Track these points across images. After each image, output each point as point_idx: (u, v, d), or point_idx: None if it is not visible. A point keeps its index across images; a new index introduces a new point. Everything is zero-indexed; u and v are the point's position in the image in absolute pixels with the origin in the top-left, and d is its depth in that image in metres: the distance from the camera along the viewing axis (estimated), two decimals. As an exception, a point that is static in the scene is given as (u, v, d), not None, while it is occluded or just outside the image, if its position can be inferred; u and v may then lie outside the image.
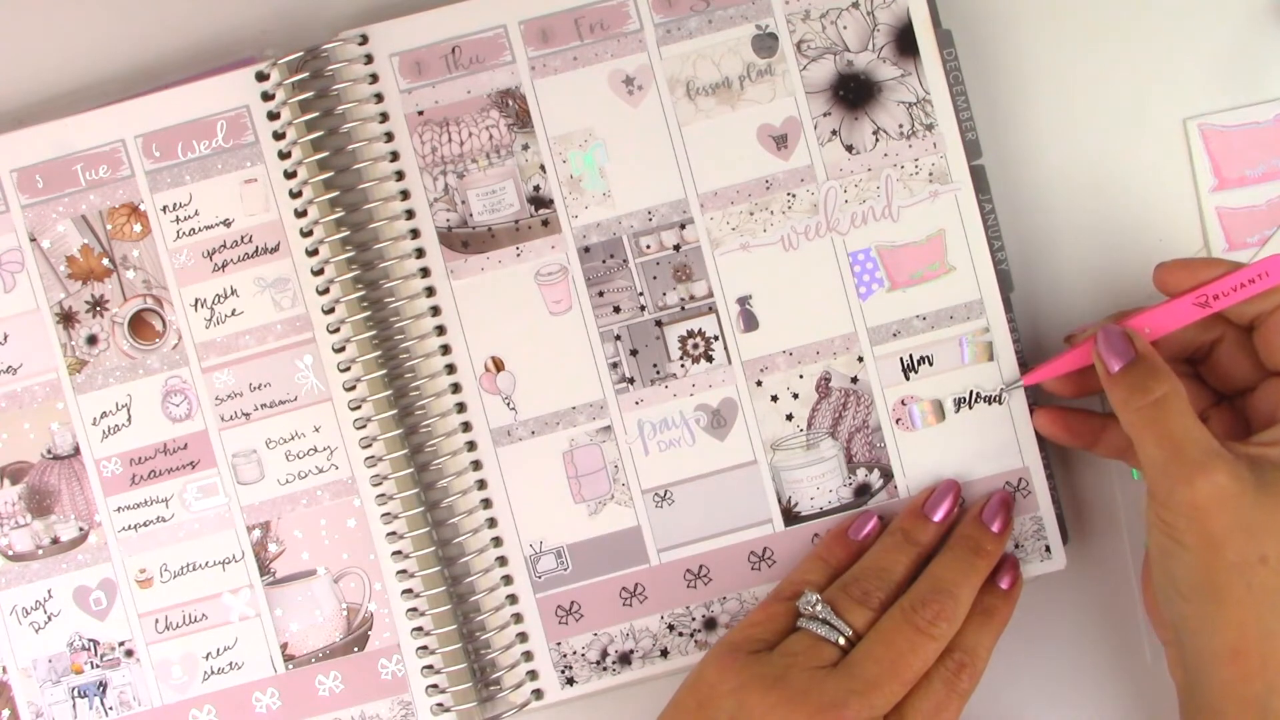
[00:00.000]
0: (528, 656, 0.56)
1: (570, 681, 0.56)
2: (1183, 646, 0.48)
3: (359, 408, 0.55)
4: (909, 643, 0.49)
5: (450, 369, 0.56)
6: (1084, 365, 0.52)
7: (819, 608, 0.51)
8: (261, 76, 0.55)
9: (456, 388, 0.56)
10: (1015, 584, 0.54)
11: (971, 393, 0.55)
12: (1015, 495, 0.55)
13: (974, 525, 0.54)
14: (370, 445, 0.56)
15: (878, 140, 0.55)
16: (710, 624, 0.56)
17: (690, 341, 0.56)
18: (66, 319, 0.56)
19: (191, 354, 0.56)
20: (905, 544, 0.53)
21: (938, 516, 0.54)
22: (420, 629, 0.56)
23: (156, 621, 0.56)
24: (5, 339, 0.56)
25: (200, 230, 0.56)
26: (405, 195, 0.55)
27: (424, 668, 0.56)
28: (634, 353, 0.56)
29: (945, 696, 0.50)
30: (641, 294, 0.56)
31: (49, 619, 0.56)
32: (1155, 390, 0.48)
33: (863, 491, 0.56)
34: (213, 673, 0.56)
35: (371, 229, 0.55)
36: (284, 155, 0.55)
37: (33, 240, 0.56)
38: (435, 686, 0.56)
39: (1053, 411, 0.55)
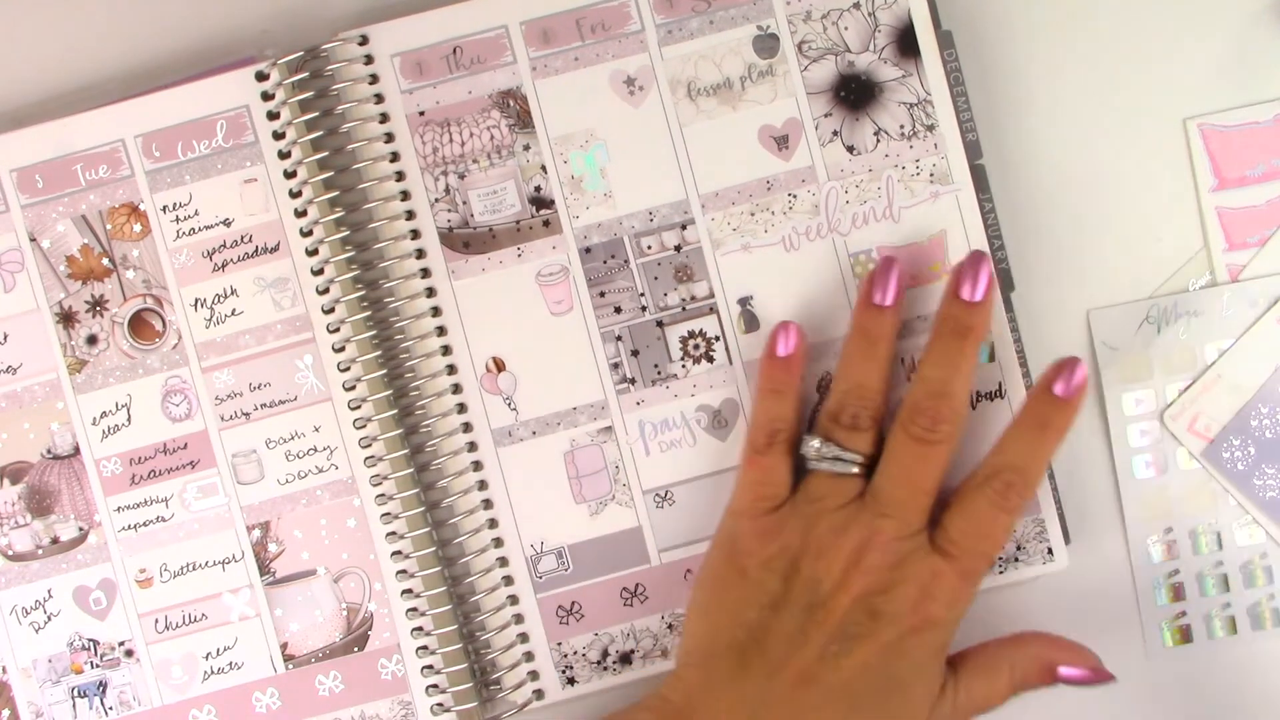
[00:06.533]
0: (528, 657, 0.56)
1: (571, 681, 0.56)
2: None
3: (359, 408, 0.55)
4: (915, 455, 0.49)
5: (451, 369, 0.56)
6: None
7: (824, 448, 0.51)
8: (261, 76, 0.55)
9: (457, 388, 0.56)
10: (1074, 391, 0.49)
11: (971, 393, 0.55)
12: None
13: (953, 303, 0.51)
14: (370, 445, 0.55)
15: (879, 141, 0.55)
16: (711, 624, 0.56)
17: (691, 342, 0.56)
18: (66, 319, 0.56)
19: (191, 354, 0.56)
20: (866, 346, 0.51)
21: (888, 300, 0.51)
22: (420, 629, 0.56)
23: (156, 621, 0.56)
24: (5, 339, 0.56)
25: (200, 230, 0.56)
26: (406, 196, 0.55)
27: (424, 668, 0.56)
28: (635, 353, 0.56)
29: (992, 516, 0.49)
30: (642, 294, 0.56)
31: (49, 619, 0.56)
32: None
33: (863, 492, 0.56)
34: (213, 673, 0.56)
35: (372, 229, 0.55)
36: (284, 155, 0.55)
37: (33, 240, 0.56)
38: (435, 686, 0.56)
39: None
